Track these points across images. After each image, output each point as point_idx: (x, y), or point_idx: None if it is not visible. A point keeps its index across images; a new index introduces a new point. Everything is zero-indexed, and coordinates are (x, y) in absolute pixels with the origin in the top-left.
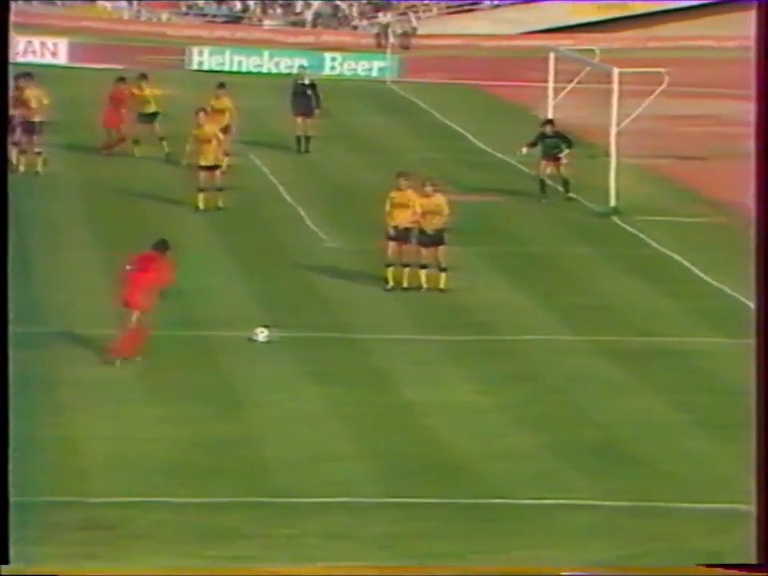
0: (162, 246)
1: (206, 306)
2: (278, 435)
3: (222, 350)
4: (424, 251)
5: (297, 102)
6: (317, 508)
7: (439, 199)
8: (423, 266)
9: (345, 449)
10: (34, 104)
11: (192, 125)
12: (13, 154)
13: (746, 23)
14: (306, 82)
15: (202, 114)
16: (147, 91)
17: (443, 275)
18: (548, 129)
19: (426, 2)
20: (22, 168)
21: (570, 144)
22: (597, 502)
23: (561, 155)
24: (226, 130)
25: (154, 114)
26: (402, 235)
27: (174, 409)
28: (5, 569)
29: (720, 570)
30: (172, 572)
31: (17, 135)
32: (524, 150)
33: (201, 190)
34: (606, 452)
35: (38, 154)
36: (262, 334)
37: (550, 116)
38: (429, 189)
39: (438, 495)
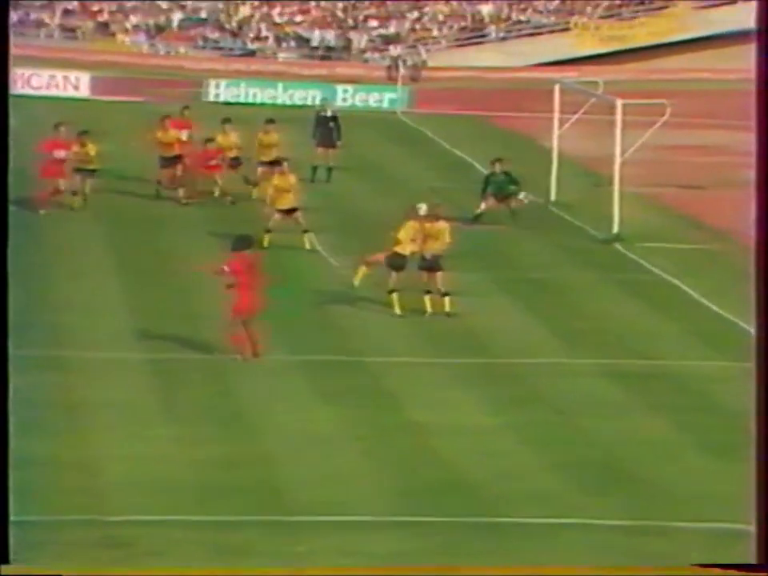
0: (246, 243)
1: (218, 329)
2: (290, 455)
3: (236, 372)
4: (425, 276)
5: (319, 132)
6: (328, 526)
7: (441, 225)
8: (428, 291)
9: (355, 468)
10: (91, 153)
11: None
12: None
13: (744, 56)
14: (329, 113)
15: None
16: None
17: (446, 300)
18: (497, 167)
19: (435, 35)
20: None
21: (517, 184)
22: (600, 521)
23: (520, 198)
24: (274, 163)
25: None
26: (400, 263)
27: (189, 429)
28: (5, 569)
29: (719, 571)
30: (172, 572)
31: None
32: (482, 206)
33: (268, 231)
34: (608, 472)
35: (85, 194)
36: None
37: (555, 146)
38: (432, 215)
39: (445, 514)
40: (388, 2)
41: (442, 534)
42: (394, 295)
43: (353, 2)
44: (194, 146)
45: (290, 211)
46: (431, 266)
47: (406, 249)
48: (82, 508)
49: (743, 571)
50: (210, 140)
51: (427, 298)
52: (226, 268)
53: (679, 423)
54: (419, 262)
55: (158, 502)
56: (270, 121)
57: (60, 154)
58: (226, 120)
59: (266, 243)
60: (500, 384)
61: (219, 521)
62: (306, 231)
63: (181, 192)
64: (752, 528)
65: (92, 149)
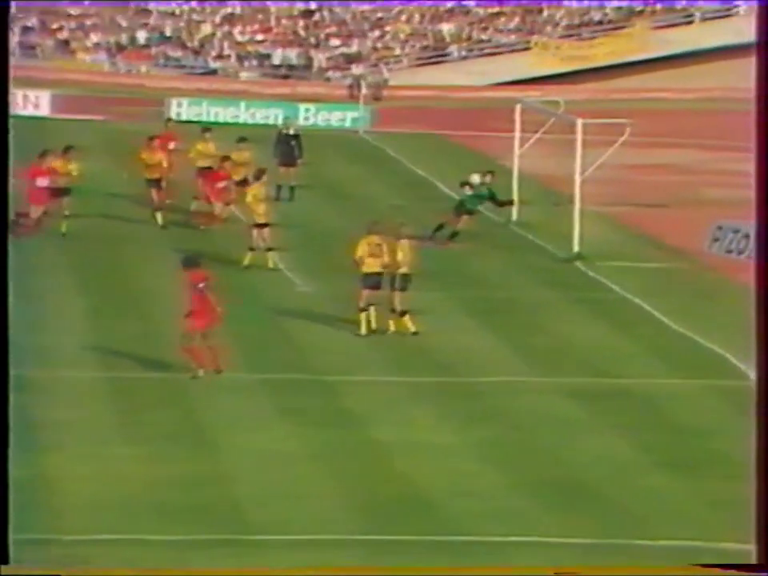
0: (194, 261)
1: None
2: (250, 474)
3: (196, 391)
4: (391, 295)
5: (280, 151)
6: (289, 545)
7: (404, 246)
8: (392, 310)
9: (316, 487)
10: (73, 172)
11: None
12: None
13: (702, 76)
14: (291, 132)
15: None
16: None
17: (407, 319)
18: (467, 189)
19: (396, 54)
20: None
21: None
22: (559, 539)
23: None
24: (245, 182)
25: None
26: (374, 281)
27: (148, 448)
28: (5, 569)
29: (719, 571)
30: (172, 572)
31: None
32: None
33: (252, 249)
34: (568, 490)
35: (66, 216)
36: None
37: (515, 166)
38: (395, 235)
39: (407, 532)
40: (349, 21)
41: (404, 552)
42: (363, 315)
43: (315, 20)
44: (177, 161)
45: (262, 226)
46: (393, 285)
47: (373, 266)
48: (40, 527)
49: (743, 571)
50: (227, 158)
51: (392, 318)
52: (200, 285)
53: (639, 442)
54: (388, 281)
55: (116, 521)
56: (242, 139)
57: (44, 182)
58: (242, 139)
59: (246, 262)
60: (461, 402)
61: (179, 540)
62: (270, 249)
63: (159, 217)
64: (711, 545)
65: (75, 168)
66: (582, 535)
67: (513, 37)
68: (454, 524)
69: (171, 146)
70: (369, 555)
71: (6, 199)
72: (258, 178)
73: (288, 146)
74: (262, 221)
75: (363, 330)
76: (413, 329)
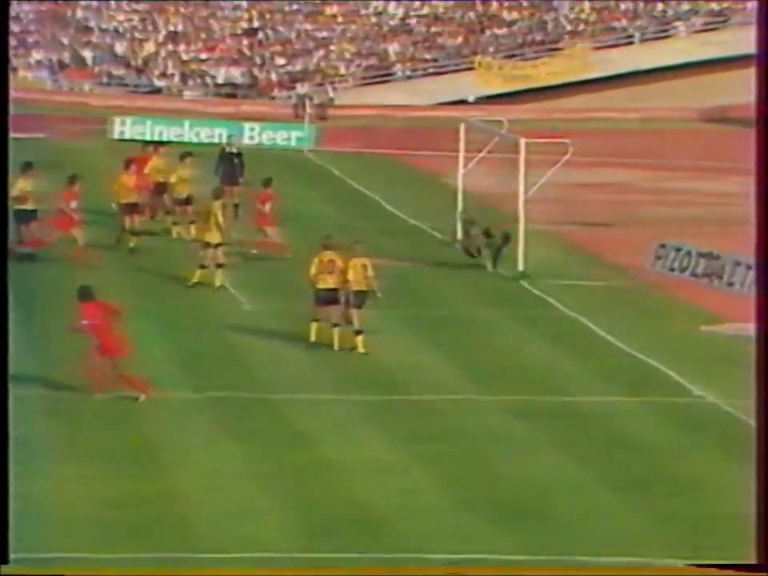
0: (88, 291)
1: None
2: (197, 493)
3: (143, 409)
4: (347, 312)
5: (222, 169)
6: (236, 563)
7: (356, 264)
8: (335, 325)
9: (264, 506)
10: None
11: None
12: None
13: (643, 96)
14: (234, 150)
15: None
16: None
17: (359, 338)
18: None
19: (342, 73)
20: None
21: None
22: (509, 556)
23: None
24: (188, 201)
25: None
26: (327, 297)
27: (94, 467)
28: (5, 569)
29: (717, 570)
30: (172, 572)
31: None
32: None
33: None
34: (515, 508)
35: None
36: None
37: (460, 185)
38: (349, 253)
39: (355, 550)
40: (294, 40)
41: (351, 571)
42: (314, 324)
43: (259, 39)
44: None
45: (217, 245)
46: (347, 302)
47: (327, 282)
48: None
49: (742, 571)
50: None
51: (336, 331)
52: (84, 322)
53: (584, 458)
54: (345, 297)
55: (61, 540)
56: (188, 154)
57: (72, 205)
58: (187, 154)
59: (195, 278)
60: (408, 420)
61: (126, 558)
62: (220, 266)
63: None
64: (655, 561)
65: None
66: (529, 552)
67: (456, 57)
68: (404, 541)
69: (147, 169)
70: (317, 574)
71: (5, 207)
72: (217, 197)
73: (231, 164)
74: (216, 240)
75: (313, 337)
76: (362, 350)
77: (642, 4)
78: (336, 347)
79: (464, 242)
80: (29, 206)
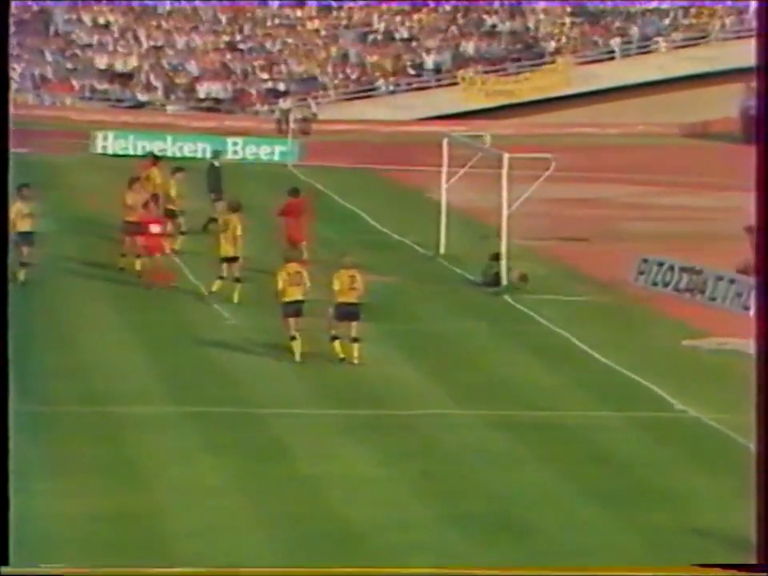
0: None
1: (107, 381)
2: (177, 507)
3: (123, 425)
4: (331, 324)
5: (211, 184)
6: None
7: (343, 274)
8: (335, 338)
9: (244, 520)
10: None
11: None
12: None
13: (626, 111)
14: (217, 164)
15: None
16: None
17: (355, 346)
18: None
19: (325, 89)
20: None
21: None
22: (491, 572)
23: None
24: (176, 215)
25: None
26: (294, 309)
27: (75, 482)
28: (5, 569)
29: (719, 571)
30: (171, 572)
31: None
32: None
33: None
34: (497, 523)
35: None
36: None
37: (443, 199)
38: (338, 265)
39: (335, 565)
40: (277, 54)
41: None
42: (295, 343)
43: (242, 53)
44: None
45: (234, 259)
46: (341, 314)
47: (294, 294)
48: None
49: (743, 571)
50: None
51: (295, 344)
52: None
53: (567, 473)
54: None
55: (41, 555)
56: (179, 169)
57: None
58: (178, 169)
59: (215, 288)
60: (390, 435)
61: (105, 573)
62: (237, 280)
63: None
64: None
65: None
66: (513, 566)
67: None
68: (385, 556)
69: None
70: None
71: (5, 210)
72: (235, 209)
73: (217, 178)
74: (233, 254)
75: (298, 357)
76: (356, 360)
77: (619, 21)
78: (297, 359)
79: (486, 272)
80: (27, 228)
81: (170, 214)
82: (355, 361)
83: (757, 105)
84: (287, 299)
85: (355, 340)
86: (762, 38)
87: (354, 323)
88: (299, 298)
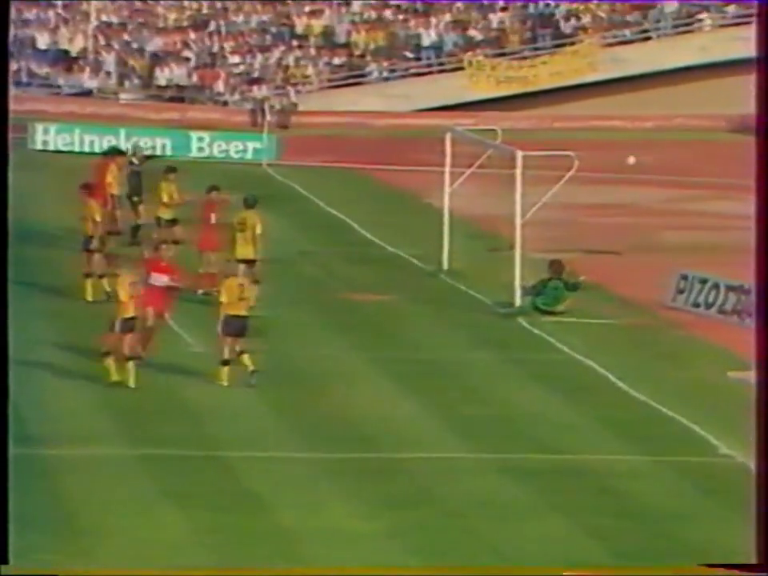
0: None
1: (47, 420)
2: (130, 564)
3: (67, 470)
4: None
5: (130, 186)
6: None
7: (231, 283)
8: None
9: None
10: None
11: None
12: None
13: (661, 101)
14: (136, 162)
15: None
16: None
17: (245, 357)
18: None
19: (307, 74)
20: None
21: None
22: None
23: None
24: (174, 222)
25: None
26: (237, 326)
27: (16, 539)
28: (5, 569)
29: (720, 570)
30: (170, 572)
31: None
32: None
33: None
34: None
35: None
36: None
37: (446, 205)
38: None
39: None
40: (247, 36)
41: None
42: (225, 369)
43: (209, 32)
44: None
45: (252, 261)
46: (228, 328)
47: (238, 309)
48: None
49: (745, 571)
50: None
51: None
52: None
53: (589, 529)
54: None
55: None
56: (171, 169)
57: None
58: (171, 169)
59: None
60: (382, 482)
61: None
62: (256, 282)
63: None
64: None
65: None
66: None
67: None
68: None
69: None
70: None
71: (5, 210)
72: (251, 206)
73: (137, 179)
74: (252, 256)
75: (225, 381)
76: (225, 383)
77: None
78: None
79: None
80: None
81: (167, 223)
82: (224, 383)
83: (757, 99)
84: (229, 312)
85: (242, 352)
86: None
87: (241, 339)
88: (242, 312)
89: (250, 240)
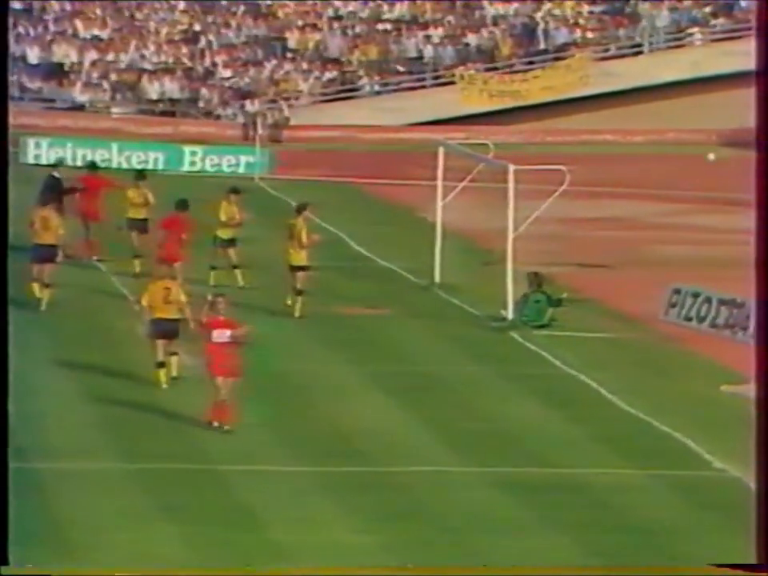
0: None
1: (37, 433)
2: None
3: (56, 483)
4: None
5: (44, 199)
6: None
7: (155, 287)
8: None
9: None
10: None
11: None
12: None
13: (652, 115)
14: (57, 175)
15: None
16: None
17: (174, 359)
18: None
19: (299, 88)
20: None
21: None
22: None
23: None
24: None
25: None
26: (169, 328)
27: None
28: (5, 569)
29: (720, 570)
30: (170, 571)
31: None
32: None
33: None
34: None
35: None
36: None
37: (438, 219)
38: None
39: None
40: (240, 49)
41: None
42: (162, 371)
43: (201, 47)
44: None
45: (231, 241)
46: (155, 332)
47: (167, 312)
48: None
49: (746, 571)
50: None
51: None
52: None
53: (584, 542)
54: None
55: None
56: (141, 176)
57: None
58: (141, 176)
59: (289, 301)
60: (374, 496)
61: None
62: (300, 293)
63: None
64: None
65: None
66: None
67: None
68: None
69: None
70: None
71: (5, 210)
72: (300, 211)
73: (58, 191)
74: (301, 262)
75: (165, 384)
76: (174, 373)
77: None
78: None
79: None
80: None
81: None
82: (165, 383)
83: (756, 112)
84: (158, 315)
85: (173, 354)
86: (762, 39)
87: (173, 341)
88: (173, 316)
89: (298, 246)
